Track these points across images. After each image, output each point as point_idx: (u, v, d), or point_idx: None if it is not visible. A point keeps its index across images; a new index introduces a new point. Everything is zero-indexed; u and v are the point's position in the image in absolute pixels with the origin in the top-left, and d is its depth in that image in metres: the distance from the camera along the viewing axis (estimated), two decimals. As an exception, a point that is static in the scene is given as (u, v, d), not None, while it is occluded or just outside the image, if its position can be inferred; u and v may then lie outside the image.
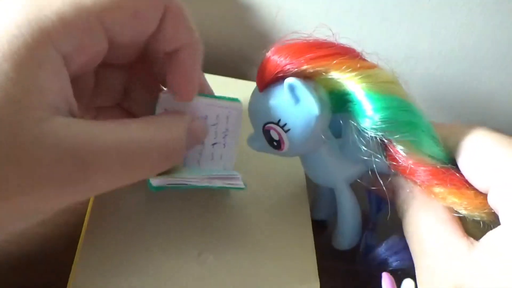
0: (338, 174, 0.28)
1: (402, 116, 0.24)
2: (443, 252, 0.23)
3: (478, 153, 0.24)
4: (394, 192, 0.27)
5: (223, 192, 0.30)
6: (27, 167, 0.18)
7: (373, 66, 0.25)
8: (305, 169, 0.29)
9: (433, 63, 0.43)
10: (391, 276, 0.22)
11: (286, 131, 0.25)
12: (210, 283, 0.25)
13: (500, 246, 0.21)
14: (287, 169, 0.32)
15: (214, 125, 0.27)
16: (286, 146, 0.26)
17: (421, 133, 0.24)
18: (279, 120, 0.25)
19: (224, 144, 0.28)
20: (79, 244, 0.26)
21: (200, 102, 0.26)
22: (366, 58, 0.26)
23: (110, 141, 0.20)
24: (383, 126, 0.23)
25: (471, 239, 0.23)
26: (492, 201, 0.23)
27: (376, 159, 0.25)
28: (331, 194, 0.30)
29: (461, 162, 0.25)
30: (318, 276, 0.26)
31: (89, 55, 0.21)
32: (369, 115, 0.24)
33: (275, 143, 0.26)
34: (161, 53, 0.24)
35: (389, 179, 0.27)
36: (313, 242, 0.28)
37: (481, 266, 0.21)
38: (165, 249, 0.26)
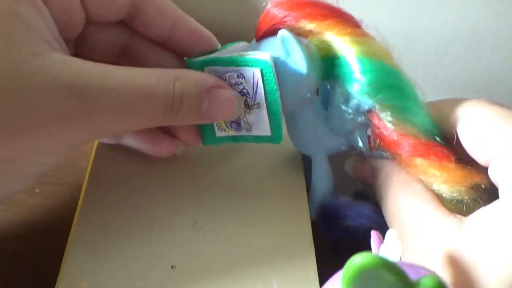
0: (320, 142, 0.28)
1: (391, 80, 0.24)
2: (431, 232, 0.22)
3: (480, 126, 0.23)
4: (372, 174, 0.27)
5: (218, 159, 0.30)
6: (28, 102, 0.18)
7: (370, 37, 0.25)
8: (288, 133, 0.29)
9: (433, 41, 0.43)
10: (378, 233, 0.22)
11: None
12: (207, 250, 0.25)
13: (499, 219, 0.21)
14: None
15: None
16: None
17: (409, 101, 0.24)
18: None
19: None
20: (76, 212, 0.27)
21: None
22: (366, 31, 0.25)
23: (111, 80, 0.20)
24: (370, 89, 0.23)
25: (459, 216, 0.22)
26: (493, 174, 0.23)
27: (359, 135, 0.25)
28: (308, 163, 0.30)
29: (462, 135, 0.24)
30: (312, 241, 0.27)
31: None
32: (356, 78, 0.24)
33: None
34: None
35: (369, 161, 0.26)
36: (308, 207, 0.28)
37: (476, 241, 0.21)
38: (162, 216, 0.26)
